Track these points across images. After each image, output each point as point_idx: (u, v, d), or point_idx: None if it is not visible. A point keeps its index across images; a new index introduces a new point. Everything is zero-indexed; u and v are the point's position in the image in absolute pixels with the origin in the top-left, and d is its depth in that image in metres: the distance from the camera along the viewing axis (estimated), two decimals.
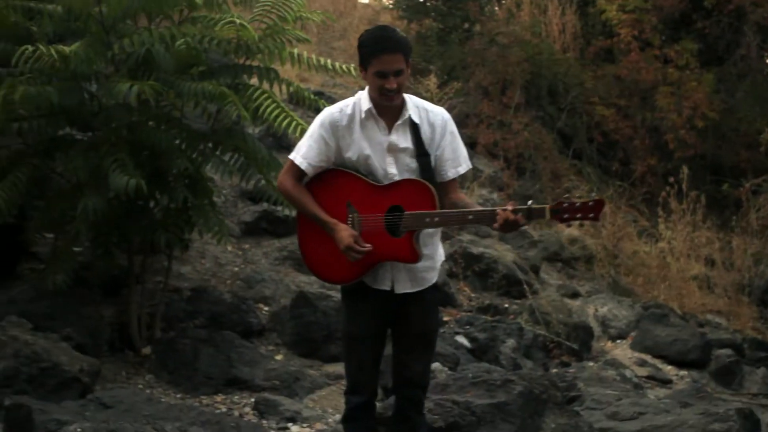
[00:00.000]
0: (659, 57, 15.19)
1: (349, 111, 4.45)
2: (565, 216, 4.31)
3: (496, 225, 4.26)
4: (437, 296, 4.67)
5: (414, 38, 15.92)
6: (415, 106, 4.48)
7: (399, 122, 4.43)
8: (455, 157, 4.52)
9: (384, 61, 4.29)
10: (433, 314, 4.66)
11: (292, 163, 4.45)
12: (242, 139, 7.27)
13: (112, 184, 6.41)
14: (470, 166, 4.66)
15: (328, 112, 4.47)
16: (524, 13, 16.00)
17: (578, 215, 4.32)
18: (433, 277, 4.57)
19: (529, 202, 4.37)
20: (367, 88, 4.48)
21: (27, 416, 5.29)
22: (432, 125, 4.49)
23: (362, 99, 4.46)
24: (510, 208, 4.24)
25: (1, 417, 5.56)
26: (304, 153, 4.43)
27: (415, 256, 4.39)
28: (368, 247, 4.32)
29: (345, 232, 4.33)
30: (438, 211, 4.35)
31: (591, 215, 4.31)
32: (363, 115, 4.42)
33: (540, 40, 15.39)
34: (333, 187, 4.42)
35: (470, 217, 4.43)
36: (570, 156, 14.60)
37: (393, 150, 4.42)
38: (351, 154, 4.40)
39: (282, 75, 7.22)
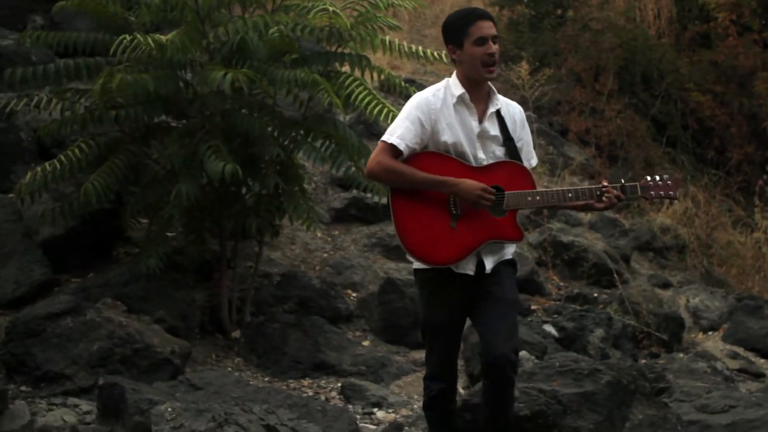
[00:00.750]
0: (758, 42, 14.87)
1: (441, 95, 4.45)
2: (651, 193, 4.50)
3: (597, 203, 4.43)
4: (512, 269, 4.60)
5: (506, 25, 15.84)
6: (498, 96, 4.53)
7: (491, 110, 4.46)
8: (529, 150, 4.63)
9: (482, 27, 4.34)
10: (510, 285, 4.54)
11: (386, 144, 4.39)
12: (333, 126, 7.33)
13: (207, 170, 6.54)
14: (537, 161, 4.75)
15: (423, 96, 4.47)
16: None
17: (661, 193, 4.50)
18: (508, 254, 4.56)
19: (622, 180, 4.54)
20: (454, 74, 4.49)
21: (120, 395, 5.43)
22: (513, 117, 4.56)
23: (452, 84, 4.47)
24: (606, 184, 4.43)
25: (95, 395, 5.73)
26: (401, 134, 4.37)
27: (519, 234, 4.47)
28: (494, 191, 4.32)
29: (471, 181, 4.30)
30: (539, 189, 4.43)
31: (671, 193, 4.51)
32: (455, 100, 4.43)
33: (634, 26, 15.18)
34: (428, 168, 4.36)
35: (570, 194, 4.46)
36: (663, 144, 14.38)
37: (483, 137, 4.45)
38: (447, 138, 4.39)
39: (373, 62, 7.25)
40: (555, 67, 14.42)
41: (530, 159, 4.62)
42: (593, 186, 4.48)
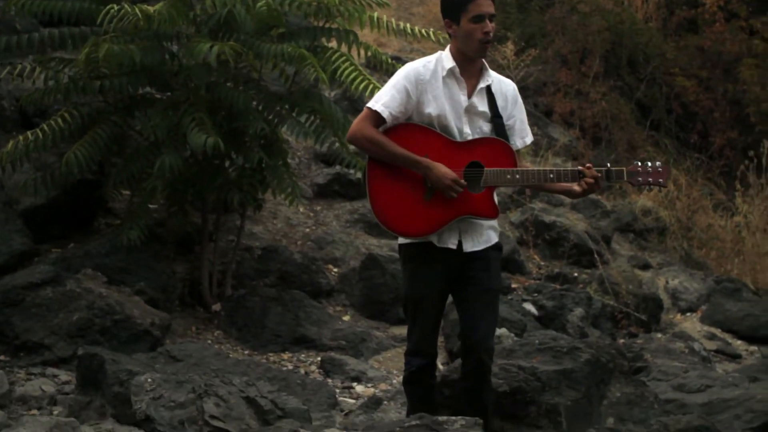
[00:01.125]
0: (744, 28, 14.89)
1: (432, 66, 4.46)
2: (639, 179, 4.47)
3: (577, 186, 4.42)
4: (500, 256, 4.66)
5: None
6: (490, 73, 4.53)
7: (481, 86, 4.47)
8: (522, 128, 4.63)
9: (480, 5, 4.34)
10: (497, 273, 4.65)
11: (370, 111, 4.40)
12: (319, 101, 7.33)
13: (190, 142, 6.53)
14: (533, 138, 4.74)
15: (413, 66, 4.47)
16: None
17: (650, 179, 4.47)
18: (495, 237, 4.58)
19: (608, 165, 4.49)
20: (448, 48, 4.50)
21: (99, 366, 5.42)
22: (504, 95, 4.56)
23: (444, 57, 4.48)
24: (590, 166, 4.41)
25: (74, 366, 5.73)
26: (386, 102, 4.38)
27: (495, 211, 4.47)
28: (465, 183, 4.32)
29: (443, 168, 4.31)
30: (519, 168, 4.43)
31: (660, 180, 4.48)
32: (445, 73, 4.44)
33: (622, 9, 15.18)
34: (410, 141, 4.37)
35: (551, 175, 4.46)
36: (647, 127, 14.42)
37: (470, 112, 4.46)
38: (431, 110, 4.40)
39: (360, 39, 7.24)
40: (541, 48, 14.41)
41: (524, 136, 4.62)
42: (575, 168, 4.45)
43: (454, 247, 4.45)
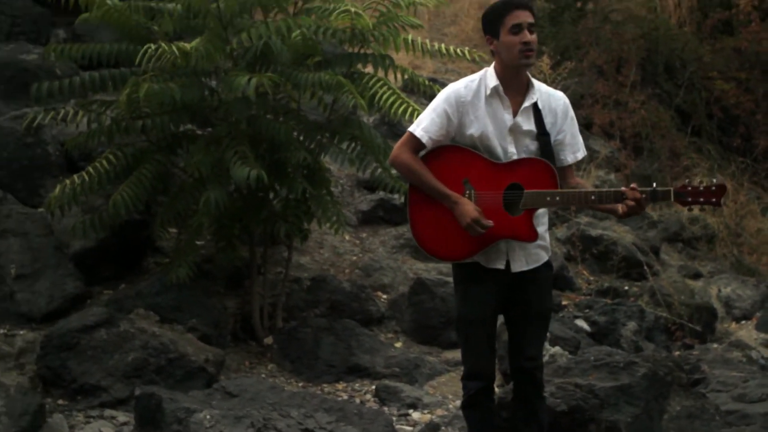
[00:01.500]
0: None
1: (474, 86, 4.43)
2: (689, 199, 4.34)
3: (621, 207, 4.32)
4: (551, 275, 4.65)
5: None
6: (538, 89, 4.49)
7: (527, 104, 4.43)
8: (574, 143, 4.55)
9: (518, 16, 4.32)
10: (548, 293, 4.63)
11: (411, 135, 4.40)
12: (359, 127, 7.34)
13: (234, 176, 6.55)
14: (585, 153, 4.67)
15: (454, 88, 4.45)
16: None
17: (701, 199, 4.34)
18: (545, 256, 4.54)
19: (653, 185, 4.39)
20: (492, 65, 4.47)
21: (157, 405, 5.43)
22: (553, 110, 4.50)
23: (488, 75, 4.44)
24: (635, 187, 4.31)
25: (132, 406, 5.75)
26: (425, 126, 4.38)
27: (533, 235, 4.41)
28: (490, 222, 4.30)
29: (469, 206, 4.30)
30: (559, 190, 4.36)
31: (713, 200, 4.34)
32: (488, 92, 4.41)
33: (655, 16, 15.08)
34: (451, 163, 4.37)
35: (593, 197, 4.39)
36: (689, 133, 14.28)
37: (515, 131, 4.42)
38: (473, 131, 4.38)
39: (396, 63, 7.25)
40: (576, 60, 14.35)
41: (576, 151, 4.55)
42: (618, 189, 4.36)
43: (502, 267, 4.43)
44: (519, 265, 4.45)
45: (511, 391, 5.23)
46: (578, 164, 11.61)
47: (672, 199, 4.35)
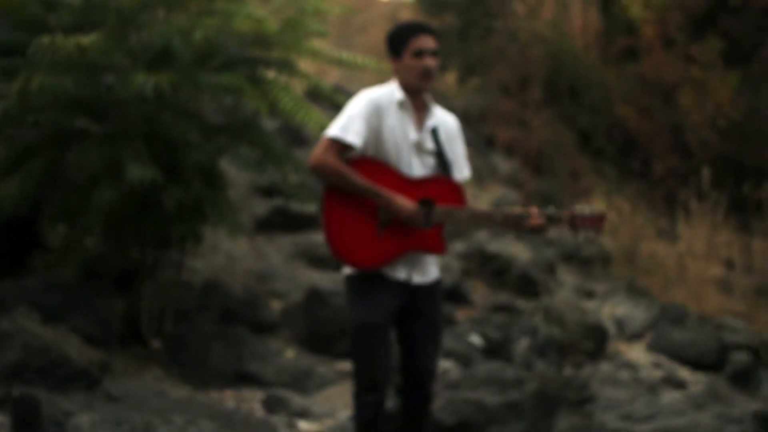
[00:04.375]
0: (683, 56, 15.08)
1: (386, 97, 4.47)
2: (578, 223, 4.53)
3: (524, 229, 4.46)
4: (442, 290, 4.71)
5: None
6: (434, 110, 4.57)
7: (429, 122, 4.51)
8: (461, 162, 4.67)
9: (422, 40, 4.41)
10: (440, 307, 4.67)
11: (334, 141, 4.36)
12: (259, 132, 7.26)
13: (127, 176, 6.40)
14: (470, 173, 4.78)
15: (372, 94, 4.46)
16: (546, 10, 15.91)
17: (587, 224, 4.55)
18: (436, 271, 4.61)
19: (550, 207, 4.58)
20: (395, 81, 4.50)
21: (35, 408, 5.27)
22: (447, 130, 4.60)
23: (394, 90, 4.49)
24: (535, 210, 4.46)
25: (9, 408, 5.57)
26: (356, 130, 4.36)
27: (444, 248, 4.52)
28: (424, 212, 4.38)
29: (405, 201, 4.36)
30: (468, 208, 4.49)
31: (597, 225, 4.56)
32: (395, 106, 4.45)
33: (561, 38, 15.31)
34: (366, 175, 4.38)
35: (499, 218, 4.50)
36: (590, 155, 14.52)
37: (419, 147, 4.48)
38: (387, 142, 4.41)
39: (301, 69, 7.19)
40: (483, 77, 14.49)
41: (462, 170, 4.65)
42: (521, 213, 4.48)
43: (403, 278, 4.46)
44: (418, 278, 4.50)
45: (399, 405, 5.20)
46: (478, 180, 11.76)
47: (566, 224, 4.53)
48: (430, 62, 4.41)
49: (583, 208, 4.56)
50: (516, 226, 4.46)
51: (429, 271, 4.55)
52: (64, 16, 6.80)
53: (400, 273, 4.46)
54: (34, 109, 6.74)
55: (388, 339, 4.50)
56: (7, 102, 6.74)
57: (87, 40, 6.33)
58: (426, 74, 4.42)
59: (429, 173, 4.48)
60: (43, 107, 6.75)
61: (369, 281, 4.46)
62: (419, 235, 4.43)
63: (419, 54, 4.40)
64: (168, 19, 6.92)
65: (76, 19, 6.91)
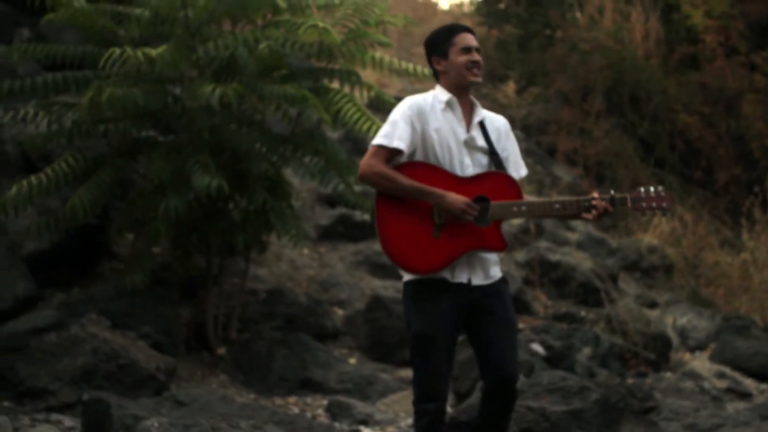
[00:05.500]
0: (745, 64, 14.91)
1: (429, 101, 4.48)
2: (643, 204, 4.49)
3: (587, 215, 4.41)
4: (509, 289, 4.61)
5: (494, 44, 15.89)
6: (481, 109, 4.57)
7: (476, 120, 4.50)
8: (516, 160, 4.63)
9: (466, 38, 4.46)
10: (511, 305, 4.55)
11: (380, 148, 4.36)
12: (322, 142, 7.33)
13: (194, 185, 6.50)
14: (527, 171, 4.74)
15: (413, 99, 4.48)
16: (607, 20, 15.81)
17: (653, 204, 4.50)
18: (499, 271, 4.54)
19: (612, 192, 4.51)
20: (438, 86, 4.52)
21: (105, 411, 5.37)
22: (497, 129, 4.59)
23: (439, 92, 4.50)
24: (597, 195, 4.41)
25: (79, 412, 5.68)
26: (399, 135, 4.36)
27: (503, 244, 4.44)
28: (478, 206, 4.33)
29: (456, 196, 4.30)
30: (525, 200, 4.42)
31: (664, 204, 4.51)
32: (442, 106, 4.46)
33: (622, 47, 15.22)
34: (416, 178, 4.34)
35: (557, 206, 4.44)
36: (651, 164, 14.41)
37: (470, 145, 4.46)
38: (434, 142, 4.41)
39: (363, 80, 7.25)
40: (543, 87, 14.45)
41: (519, 169, 4.61)
42: (581, 198, 4.45)
43: (465, 281, 4.40)
44: (479, 279, 4.43)
45: (465, 411, 5.22)
46: (539, 189, 11.74)
47: (629, 204, 4.48)
48: (478, 57, 4.45)
49: (648, 188, 4.50)
50: (577, 211, 4.41)
51: (491, 271, 4.48)
52: (133, 29, 6.95)
53: (461, 275, 4.39)
54: (104, 119, 6.89)
55: (448, 348, 4.42)
56: (78, 113, 6.91)
57: (155, 52, 6.45)
58: (476, 67, 4.45)
59: (482, 171, 4.44)
60: (113, 118, 6.89)
61: (427, 287, 4.40)
62: (477, 234, 4.36)
63: (466, 50, 4.44)
64: (234, 31, 7.02)
65: (144, 32, 7.07)
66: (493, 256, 4.50)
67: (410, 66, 7.39)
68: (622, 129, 14.61)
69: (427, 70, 7.38)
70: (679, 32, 15.71)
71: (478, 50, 4.47)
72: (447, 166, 4.41)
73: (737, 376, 8.84)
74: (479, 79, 4.49)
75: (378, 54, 7.32)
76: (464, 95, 4.50)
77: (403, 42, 15.84)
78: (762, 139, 14.04)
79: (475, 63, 4.44)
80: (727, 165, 14.29)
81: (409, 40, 16.13)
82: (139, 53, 6.36)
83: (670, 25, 15.79)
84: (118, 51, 6.36)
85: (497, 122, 4.62)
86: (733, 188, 14.02)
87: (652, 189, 4.49)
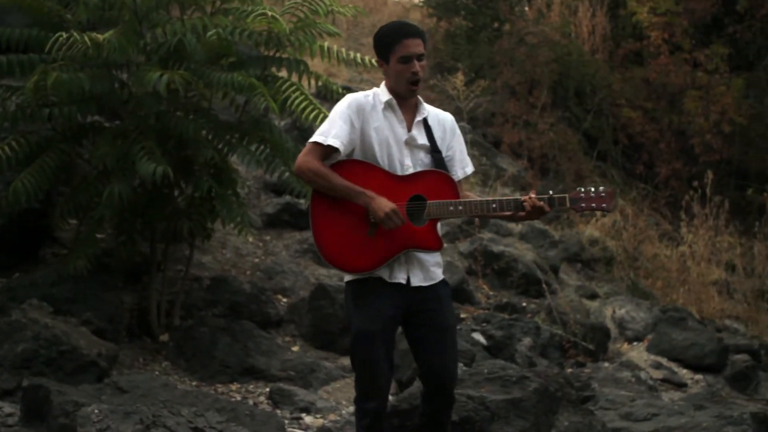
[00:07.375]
0: (689, 61, 15.15)
1: (370, 100, 4.46)
2: (582, 205, 4.49)
3: (522, 213, 4.42)
4: (450, 292, 4.64)
5: (443, 36, 15.97)
6: (425, 107, 4.56)
7: (418, 119, 4.49)
8: (462, 158, 4.64)
9: (407, 45, 4.37)
10: (450, 309, 4.59)
11: (316, 145, 4.35)
12: (269, 130, 7.33)
13: (139, 171, 6.48)
14: (473, 169, 4.75)
15: (354, 97, 4.46)
16: (554, 14, 15.99)
17: (593, 204, 4.50)
18: (440, 273, 4.56)
19: (550, 192, 4.53)
20: (383, 83, 4.52)
21: (45, 397, 5.34)
22: (442, 127, 4.59)
23: (380, 92, 4.49)
24: (533, 196, 4.41)
25: (19, 398, 5.64)
26: (336, 133, 4.34)
27: (439, 244, 4.45)
28: (404, 219, 4.30)
29: (385, 200, 4.28)
30: (461, 200, 4.42)
31: (604, 205, 4.51)
32: (383, 106, 4.44)
33: (569, 41, 15.38)
34: (352, 176, 4.34)
35: (494, 205, 4.44)
36: (594, 157, 14.61)
37: (411, 145, 4.46)
38: (374, 142, 4.39)
39: (311, 69, 7.26)
40: (490, 79, 14.56)
41: (465, 166, 4.63)
42: (517, 197, 4.48)
43: (403, 281, 4.41)
44: (418, 280, 4.45)
45: (406, 399, 5.29)
46: (484, 181, 11.84)
47: (567, 204, 4.47)
48: (417, 67, 4.39)
49: (588, 188, 4.50)
50: (515, 210, 4.41)
51: (430, 272, 4.49)
52: (80, 13, 6.89)
53: (399, 275, 4.41)
54: (49, 104, 6.83)
55: (387, 347, 4.44)
56: (23, 97, 6.85)
57: (102, 36, 6.41)
58: (413, 81, 4.40)
59: (422, 169, 4.44)
60: (58, 102, 6.84)
61: (366, 286, 4.41)
62: (413, 234, 4.36)
63: (406, 59, 4.38)
64: (182, 17, 7.00)
65: (92, 16, 7.01)
66: (432, 257, 4.50)
67: (358, 56, 7.41)
68: (566, 122, 14.78)
69: (375, 61, 7.41)
70: (625, 28, 15.94)
71: (421, 57, 4.39)
72: (386, 166, 4.41)
73: (673, 366, 9.02)
74: (415, 93, 4.45)
75: (327, 43, 7.33)
76: (406, 96, 4.48)
77: (352, 32, 15.86)
78: (703, 135, 14.28)
79: (413, 74, 4.38)
80: (668, 160, 14.53)
81: (358, 30, 16.16)
82: (86, 38, 6.30)
83: (617, 20, 16.01)
84: (64, 35, 6.30)
85: (443, 119, 4.60)
86: (673, 182, 14.27)
87: (592, 189, 4.50)
